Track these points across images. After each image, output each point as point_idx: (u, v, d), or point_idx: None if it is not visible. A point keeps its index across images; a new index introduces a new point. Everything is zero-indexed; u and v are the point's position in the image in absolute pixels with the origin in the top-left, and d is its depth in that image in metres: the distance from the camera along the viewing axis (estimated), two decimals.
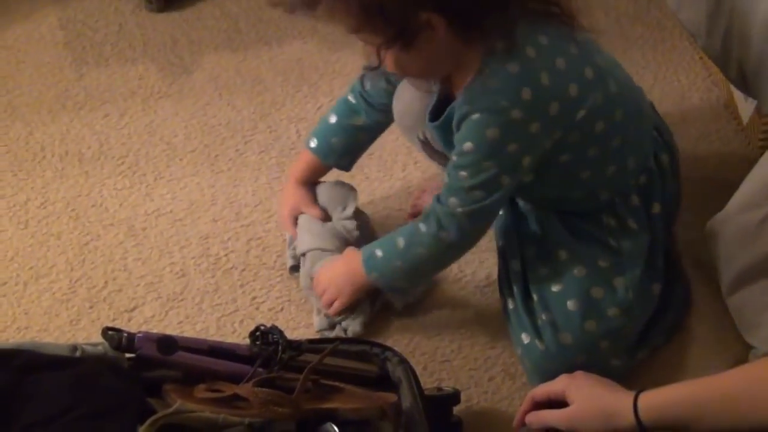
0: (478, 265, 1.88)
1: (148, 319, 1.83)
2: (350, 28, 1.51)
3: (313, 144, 1.88)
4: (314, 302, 1.80)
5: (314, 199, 1.89)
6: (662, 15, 2.41)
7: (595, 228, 1.71)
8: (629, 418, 1.37)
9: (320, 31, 2.42)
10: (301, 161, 1.91)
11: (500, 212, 1.78)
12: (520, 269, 1.72)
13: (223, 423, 1.36)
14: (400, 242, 1.69)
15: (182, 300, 1.86)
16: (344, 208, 1.88)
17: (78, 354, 1.44)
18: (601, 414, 1.41)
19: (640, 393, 1.38)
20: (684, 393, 1.35)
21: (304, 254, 1.83)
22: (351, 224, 1.85)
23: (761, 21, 1.70)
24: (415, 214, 1.92)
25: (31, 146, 2.18)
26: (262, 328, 1.53)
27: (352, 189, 1.92)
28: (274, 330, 1.52)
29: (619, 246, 1.69)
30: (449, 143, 1.62)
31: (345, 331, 1.76)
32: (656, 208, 1.74)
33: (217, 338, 1.73)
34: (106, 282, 1.89)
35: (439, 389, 1.63)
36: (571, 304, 1.64)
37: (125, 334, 1.44)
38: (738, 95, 2.08)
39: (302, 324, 1.81)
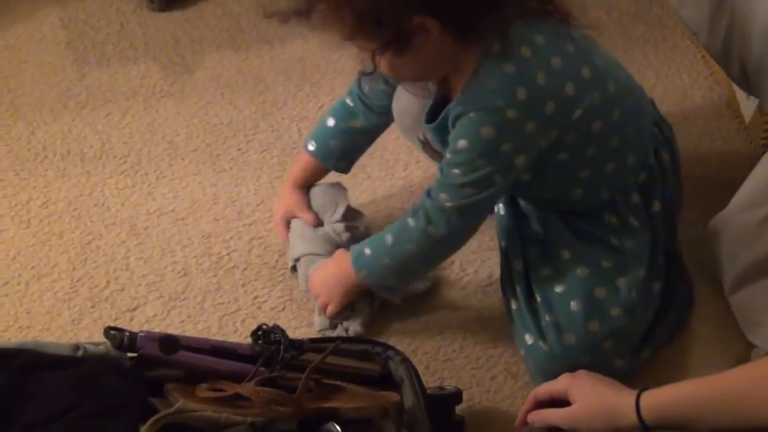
0: (480, 265, 1.88)
1: (150, 318, 1.83)
2: (344, 35, 1.51)
3: (311, 147, 1.88)
4: (315, 302, 1.80)
5: (308, 204, 1.89)
6: (664, 13, 2.41)
7: (596, 227, 1.71)
8: (631, 417, 1.36)
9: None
10: (300, 164, 1.91)
11: (502, 213, 1.78)
12: (523, 269, 1.72)
13: (225, 422, 1.36)
14: (389, 239, 1.69)
15: (184, 299, 1.86)
16: (334, 212, 1.87)
17: (80, 353, 1.44)
18: (603, 413, 1.41)
19: (642, 392, 1.38)
20: (686, 392, 1.35)
21: (298, 259, 1.83)
22: (340, 227, 1.85)
23: (763, 19, 1.70)
24: None
25: (33, 146, 2.18)
26: (264, 327, 1.53)
27: (342, 190, 1.91)
28: (276, 329, 1.52)
29: (621, 245, 1.69)
30: (446, 144, 1.62)
31: (346, 330, 1.76)
32: (656, 206, 1.74)
33: (219, 337, 1.74)
34: (107, 281, 1.89)
35: (441, 388, 1.63)
36: (574, 305, 1.64)
37: (127, 334, 1.44)
38: (740, 94, 2.07)
39: (304, 323, 1.81)
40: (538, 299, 1.68)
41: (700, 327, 1.76)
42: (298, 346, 1.51)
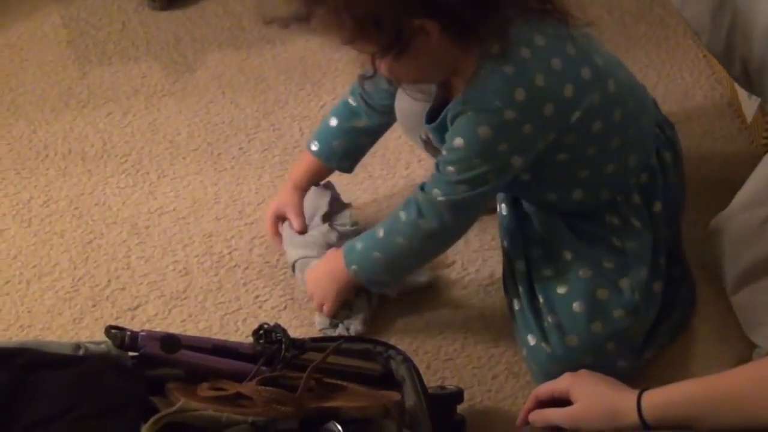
0: (482, 264, 1.88)
1: (151, 317, 1.83)
2: (344, 39, 1.51)
3: (314, 147, 1.88)
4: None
5: (302, 208, 1.88)
6: (666, 13, 2.41)
7: (598, 228, 1.71)
8: (633, 417, 1.36)
9: None
10: (302, 164, 1.91)
11: (504, 213, 1.78)
12: (525, 270, 1.72)
13: (227, 422, 1.36)
14: (380, 232, 1.69)
15: (185, 298, 1.86)
16: (314, 216, 1.87)
17: (81, 352, 1.44)
18: (604, 412, 1.40)
19: (643, 391, 1.38)
20: (687, 392, 1.35)
21: (293, 265, 1.83)
22: (325, 228, 1.85)
23: (765, 19, 1.70)
24: None
25: (35, 144, 2.18)
26: (266, 326, 1.53)
27: (324, 192, 1.90)
28: (278, 328, 1.52)
29: (623, 246, 1.69)
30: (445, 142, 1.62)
31: (347, 329, 1.76)
32: (657, 206, 1.73)
33: (220, 336, 1.74)
34: (109, 280, 1.89)
35: (443, 388, 1.63)
36: (576, 306, 1.64)
37: (128, 333, 1.44)
38: (742, 93, 2.07)
39: (305, 322, 1.80)
40: (541, 300, 1.68)
41: (701, 327, 1.76)
42: (299, 345, 1.51)
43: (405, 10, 1.45)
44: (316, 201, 1.88)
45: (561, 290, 1.67)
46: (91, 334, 1.79)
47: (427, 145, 1.77)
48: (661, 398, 1.36)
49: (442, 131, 1.62)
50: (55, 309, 1.85)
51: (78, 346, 1.45)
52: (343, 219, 1.87)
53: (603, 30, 2.29)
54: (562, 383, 1.48)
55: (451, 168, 1.58)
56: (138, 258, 1.93)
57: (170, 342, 1.45)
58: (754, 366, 1.41)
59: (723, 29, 1.83)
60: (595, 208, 1.72)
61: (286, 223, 1.88)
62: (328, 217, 1.87)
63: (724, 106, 2.17)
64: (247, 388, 1.40)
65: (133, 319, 1.82)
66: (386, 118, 1.83)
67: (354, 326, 1.76)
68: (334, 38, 1.52)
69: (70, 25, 2.49)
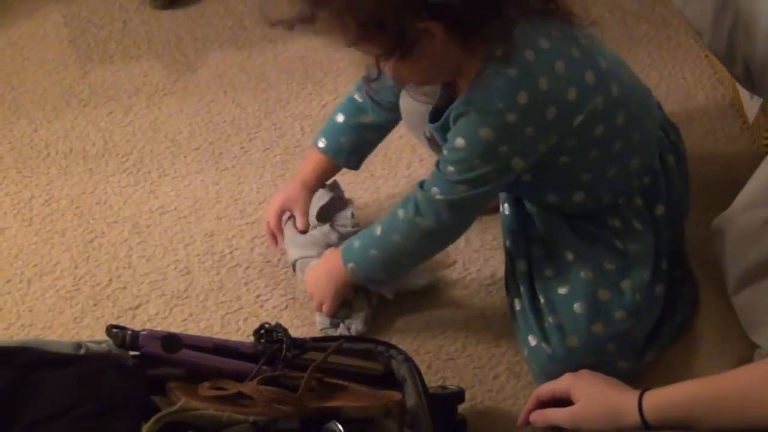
0: (483, 264, 1.88)
1: (152, 316, 1.83)
2: (348, 42, 1.51)
3: (321, 144, 1.87)
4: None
5: (308, 207, 1.88)
6: (667, 13, 2.41)
7: (600, 230, 1.70)
8: (634, 417, 1.36)
9: None
10: (310, 163, 1.90)
11: (507, 212, 1.77)
12: (527, 270, 1.72)
13: (227, 421, 1.35)
14: (378, 230, 1.69)
15: (186, 297, 1.86)
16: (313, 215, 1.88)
17: (82, 352, 1.44)
18: (605, 413, 1.40)
19: (645, 392, 1.37)
20: (689, 392, 1.35)
21: (294, 265, 1.83)
22: (326, 228, 1.85)
23: (767, 19, 1.70)
24: None
25: (36, 143, 2.18)
26: (267, 326, 1.53)
27: (326, 193, 1.90)
28: (279, 328, 1.52)
29: (625, 248, 1.69)
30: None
31: (348, 329, 1.76)
32: (660, 210, 1.73)
33: (221, 336, 1.74)
34: (110, 279, 1.89)
35: (444, 388, 1.63)
36: (577, 307, 1.64)
37: (129, 332, 1.44)
38: (744, 93, 2.07)
39: (306, 322, 1.80)
40: (542, 300, 1.68)
41: (703, 327, 1.76)
42: (300, 345, 1.51)
43: (408, 12, 1.45)
44: (317, 202, 1.88)
45: (562, 291, 1.67)
46: (92, 333, 1.79)
47: (431, 142, 1.77)
48: (662, 398, 1.36)
49: (445, 131, 1.61)
50: (56, 308, 1.85)
51: (79, 345, 1.45)
52: (344, 220, 1.87)
53: (605, 30, 2.28)
54: (563, 383, 1.47)
55: (451, 168, 1.58)
56: (139, 257, 1.93)
57: (171, 341, 1.45)
58: (755, 366, 1.41)
59: (725, 29, 1.82)
60: (597, 211, 1.71)
61: (289, 223, 1.88)
62: (324, 213, 1.86)
63: (725, 106, 2.17)
64: (248, 387, 1.40)
65: (134, 318, 1.82)
66: (393, 114, 1.82)
67: (355, 326, 1.76)
68: (338, 40, 1.52)
69: (71, 24, 2.49)
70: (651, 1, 2.46)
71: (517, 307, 1.72)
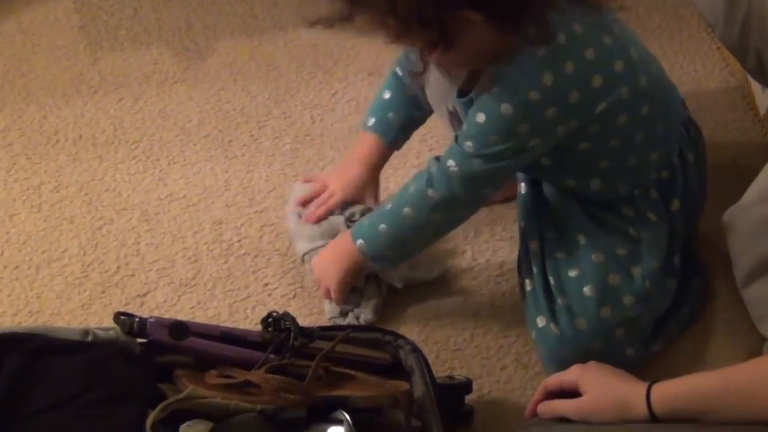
0: (492, 254, 1.88)
1: (160, 304, 1.83)
2: (390, 38, 1.51)
3: (371, 122, 1.86)
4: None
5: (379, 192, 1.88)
6: (679, 4, 2.40)
7: (615, 217, 1.70)
8: (642, 409, 1.36)
9: None
10: (364, 146, 1.87)
11: (523, 192, 1.77)
12: (539, 250, 1.72)
13: (234, 409, 1.36)
14: (388, 204, 1.69)
15: (194, 285, 1.86)
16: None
17: (90, 338, 1.45)
18: (613, 404, 1.40)
19: (653, 384, 1.37)
20: (697, 385, 1.34)
21: (303, 258, 1.83)
22: (336, 219, 1.83)
23: None
24: None
25: (45, 130, 2.18)
26: (275, 314, 1.53)
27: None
28: (286, 317, 1.52)
29: (638, 235, 1.69)
30: None
31: (357, 318, 1.76)
32: (676, 204, 1.73)
33: (229, 324, 1.73)
34: (118, 267, 1.89)
35: (451, 378, 1.63)
36: (587, 290, 1.64)
37: (137, 319, 1.44)
38: (755, 85, 2.06)
39: (314, 311, 1.80)
40: (552, 282, 1.68)
41: (712, 319, 1.76)
42: (308, 333, 1.51)
43: (448, 3, 1.45)
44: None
45: (572, 273, 1.67)
46: (99, 320, 1.79)
47: (453, 117, 1.75)
48: (670, 391, 1.35)
49: (470, 107, 1.61)
50: (64, 295, 1.85)
51: (87, 332, 1.45)
52: (355, 211, 1.86)
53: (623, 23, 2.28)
54: (571, 374, 1.47)
55: (469, 142, 1.58)
56: (147, 244, 1.93)
57: (179, 329, 1.45)
58: (764, 360, 1.40)
59: (737, 21, 1.82)
60: (613, 200, 1.71)
61: (294, 217, 1.87)
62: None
63: (737, 98, 2.16)
64: (255, 376, 1.40)
65: (142, 305, 1.82)
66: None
67: (364, 315, 1.76)
68: (380, 37, 1.52)
69: (82, 11, 2.49)
70: None
71: (528, 287, 1.72)
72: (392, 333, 1.59)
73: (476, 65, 1.62)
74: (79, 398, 1.33)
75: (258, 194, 2.02)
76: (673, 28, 2.36)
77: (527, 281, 1.72)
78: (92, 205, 2.01)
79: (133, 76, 2.30)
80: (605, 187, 1.70)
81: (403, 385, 1.47)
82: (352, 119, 2.13)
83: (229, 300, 1.83)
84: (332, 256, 1.75)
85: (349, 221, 1.83)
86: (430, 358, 1.58)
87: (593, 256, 1.66)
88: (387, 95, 1.85)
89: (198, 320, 1.74)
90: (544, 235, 1.72)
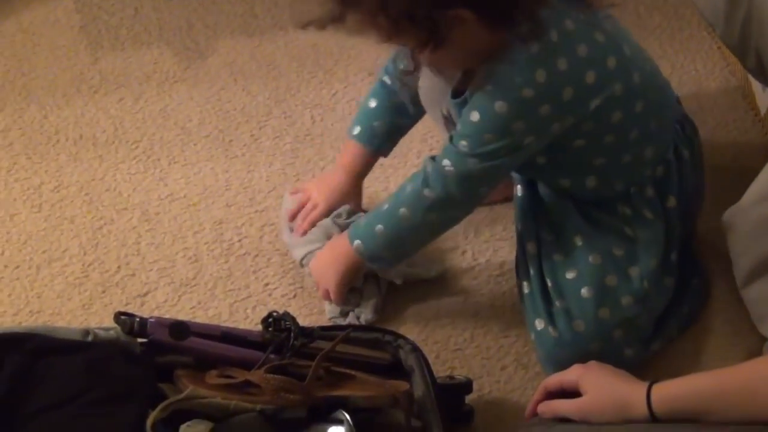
0: (492, 254, 1.88)
1: (161, 304, 1.83)
2: (382, 38, 1.51)
3: (355, 131, 1.86)
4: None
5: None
6: (680, 3, 2.40)
7: (611, 217, 1.70)
8: (642, 409, 1.36)
9: None
10: (348, 154, 1.89)
11: (520, 194, 1.77)
12: (536, 252, 1.72)
13: (235, 409, 1.36)
14: (385, 205, 1.69)
15: (195, 285, 1.86)
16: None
17: (90, 338, 1.45)
18: (613, 404, 1.40)
19: (653, 384, 1.37)
20: (697, 385, 1.34)
21: (301, 262, 1.83)
22: (326, 222, 1.84)
23: None
24: None
25: (46, 130, 2.18)
26: (275, 314, 1.53)
27: None
28: (287, 316, 1.52)
29: (635, 234, 1.69)
30: None
31: (358, 318, 1.76)
32: (672, 201, 1.73)
33: (229, 324, 1.73)
34: (118, 266, 1.90)
35: (452, 378, 1.63)
36: (585, 291, 1.64)
37: (137, 319, 1.45)
38: (756, 85, 2.06)
39: (315, 311, 1.80)
40: (549, 284, 1.68)
41: (712, 319, 1.76)
42: (308, 333, 1.51)
43: (439, 1, 1.45)
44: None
45: (570, 275, 1.67)
46: (100, 320, 1.79)
47: (447, 121, 1.76)
48: (670, 391, 1.35)
49: (465, 107, 1.61)
50: (65, 294, 1.85)
51: (87, 332, 1.45)
52: (341, 211, 1.86)
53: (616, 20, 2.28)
54: (572, 374, 1.47)
55: (463, 141, 1.58)
56: (148, 244, 1.93)
57: (179, 329, 1.45)
58: (764, 360, 1.40)
59: (738, 21, 1.82)
60: (609, 198, 1.71)
61: (286, 230, 1.88)
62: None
63: (738, 97, 2.16)
64: (255, 376, 1.40)
65: (142, 305, 1.82)
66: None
67: (365, 315, 1.76)
68: (371, 37, 1.52)
69: (82, 11, 2.49)
70: None
71: (526, 290, 1.72)
72: (392, 333, 1.59)
73: (470, 65, 1.62)
74: (80, 398, 1.33)
75: (258, 194, 2.02)
76: (674, 27, 2.36)
77: (525, 283, 1.72)
78: (93, 205, 2.01)
79: (134, 76, 2.30)
80: (601, 184, 1.70)
81: (403, 385, 1.47)
82: (352, 119, 2.13)
83: (230, 300, 1.83)
84: (329, 257, 1.75)
85: (336, 219, 1.84)
86: (431, 358, 1.58)
87: (590, 258, 1.66)
88: (372, 104, 1.86)
89: (198, 320, 1.74)
90: (541, 236, 1.72)
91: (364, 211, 1.88)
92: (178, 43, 2.39)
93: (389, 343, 1.57)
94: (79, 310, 1.82)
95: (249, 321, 1.79)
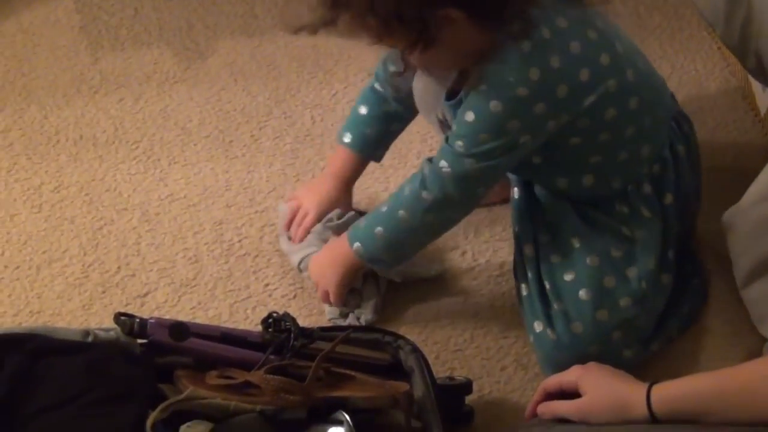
0: (492, 254, 1.88)
1: (161, 304, 1.83)
2: (372, 39, 1.52)
3: (347, 139, 1.87)
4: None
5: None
6: (680, 3, 2.40)
7: (608, 217, 1.70)
8: (641, 410, 1.36)
9: None
10: (338, 159, 1.89)
11: (516, 196, 1.77)
12: (534, 254, 1.72)
13: (235, 410, 1.36)
14: (383, 207, 1.69)
15: (195, 286, 1.86)
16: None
17: (90, 339, 1.45)
18: (613, 405, 1.40)
19: (653, 384, 1.37)
20: (697, 385, 1.34)
21: (299, 267, 1.83)
22: (318, 227, 1.84)
23: None
24: None
25: (46, 130, 2.18)
26: (275, 315, 1.53)
27: None
28: (287, 317, 1.52)
29: (632, 235, 1.69)
30: None
31: (358, 319, 1.76)
32: (669, 198, 1.73)
33: (229, 325, 1.73)
34: (119, 267, 1.90)
35: (451, 378, 1.63)
36: (583, 294, 1.64)
37: (137, 320, 1.45)
38: (756, 85, 2.06)
39: (315, 311, 1.80)
40: (548, 286, 1.68)
41: (712, 320, 1.76)
42: (308, 334, 1.51)
43: (427, 2, 1.46)
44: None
45: (568, 277, 1.67)
46: (100, 320, 1.79)
47: (443, 125, 1.76)
48: (670, 392, 1.36)
49: (459, 108, 1.62)
50: (65, 295, 1.85)
51: (87, 333, 1.45)
52: (331, 216, 1.87)
53: (616, 20, 2.27)
54: (571, 375, 1.47)
55: (460, 142, 1.58)
56: (148, 245, 1.93)
57: (179, 329, 1.45)
58: (764, 361, 1.40)
59: (738, 21, 1.82)
60: (606, 197, 1.71)
61: (283, 238, 1.88)
62: None
63: (737, 98, 2.16)
64: (255, 376, 1.40)
65: (142, 306, 1.82)
66: (413, 101, 1.82)
67: (365, 315, 1.76)
68: (361, 39, 1.52)
69: (82, 11, 2.49)
70: None
71: (524, 292, 1.72)
72: (392, 333, 1.59)
73: (462, 65, 1.62)
74: (80, 398, 1.33)
75: (258, 194, 2.02)
76: (674, 27, 2.36)
77: (523, 286, 1.72)
78: (93, 206, 2.01)
79: (134, 76, 2.30)
80: (598, 183, 1.70)
81: (403, 386, 1.47)
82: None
83: (230, 300, 1.83)
84: (328, 258, 1.75)
85: (328, 223, 1.85)
86: (430, 359, 1.58)
87: (588, 259, 1.66)
88: (363, 110, 1.86)
89: (198, 321, 1.74)
90: (538, 238, 1.72)
91: (356, 211, 1.88)
92: (178, 44, 2.39)
93: (389, 344, 1.57)
94: (79, 310, 1.82)
95: (249, 322, 1.79)
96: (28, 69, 2.34)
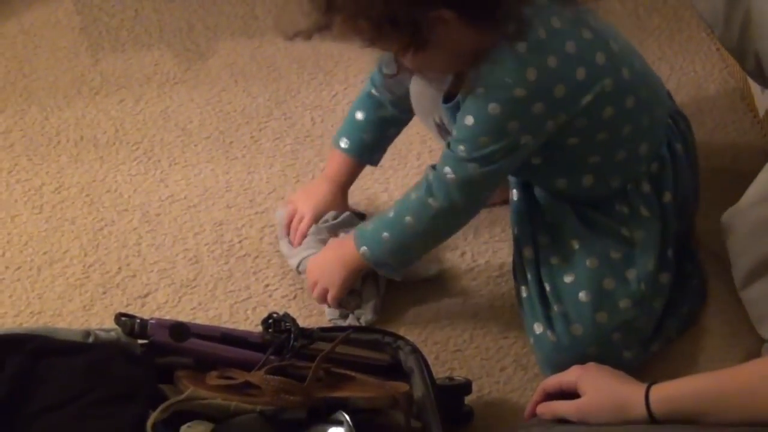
0: (492, 255, 1.88)
1: (161, 305, 1.83)
2: (365, 42, 1.52)
3: (344, 144, 1.87)
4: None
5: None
6: (679, 5, 2.40)
7: (607, 218, 1.70)
8: (641, 410, 1.36)
9: None
10: (334, 163, 1.89)
11: (515, 198, 1.77)
12: (533, 257, 1.72)
13: (235, 410, 1.36)
14: (390, 212, 1.70)
15: (195, 286, 1.86)
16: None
17: (91, 340, 1.45)
18: (612, 405, 1.40)
19: (652, 385, 1.37)
20: (696, 386, 1.35)
21: (298, 269, 1.83)
22: (313, 229, 1.85)
23: None
24: None
25: (47, 131, 2.19)
26: (275, 315, 1.53)
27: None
28: (287, 318, 1.52)
29: (631, 236, 1.69)
30: None
31: (358, 319, 1.76)
32: (667, 197, 1.73)
33: (229, 325, 1.74)
34: (119, 268, 1.90)
35: (451, 379, 1.63)
36: (583, 296, 1.64)
37: (138, 321, 1.45)
38: (755, 87, 2.07)
39: (315, 312, 1.81)
40: (548, 288, 1.68)
41: (711, 320, 1.76)
42: (308, 334, 1.52)
43: (418, 3, 1.46)
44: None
45: (567, 279, 1.67)
46: (101, 321, 1.79)
47: (441, 129, 1.77)
48: (669, 392, 1.36)
49: (457, 112, 1.62)
50: (66, 296, 1.86)
51: (88, 333, 1.46)
52: (326, 218, 1.87)
53: (616, 21, 2.27)
54: (570, 376, 1.47)
55: (461, 146, 1.59)
56: (148, 246, 1.94)
57: (179, 330, 1.46)
58: (763, 362, 1.40)
59: (737, 23, 1.82)
60: (606, 197, 1.72)
61: (283, 241, 1.88)
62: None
63: (736, 99, 2.16)
64: (255, 377, 1.40)
65: (143, 306, 1.83)
66: (410, 105, 1.83)
67: (365, 316, 1.76)
68: (354, 42, 1.52)
69: (83, 12, 2.49)
70: None
71: (524, 294, 1.72)
72: (392, 334, 1.59)
73: (456, 67, 1.62)
74: (81, 399, 1.33)
75: (259, 195, 2.02)
76: (673, 29, 2.36)
77: (523, 288, 1.72)
78: (93, 206, 2.01)
79: (134, 78, 2.31)
80: (597, 183, 1.70)
81: (402, 386, 1.48)
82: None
83: (230, 301, 1.84)
84: (333, 257, 1.75)
85: (323, 224, 1.86)
86: (430, 359, 1.59)
87: (587, 261, 1.66)
88: (360, 116, 1.86)
89: (199, 321, 1.75)
90: (538, 240, 1.73)
91: (351, 211, 1.89)
92: (178, 45, 2.39)
93: (389, 345, 1.58)
94: (80, 311, 1.83)
95: (249, 322, 1.79)
96: (29, 70, 2.34)
